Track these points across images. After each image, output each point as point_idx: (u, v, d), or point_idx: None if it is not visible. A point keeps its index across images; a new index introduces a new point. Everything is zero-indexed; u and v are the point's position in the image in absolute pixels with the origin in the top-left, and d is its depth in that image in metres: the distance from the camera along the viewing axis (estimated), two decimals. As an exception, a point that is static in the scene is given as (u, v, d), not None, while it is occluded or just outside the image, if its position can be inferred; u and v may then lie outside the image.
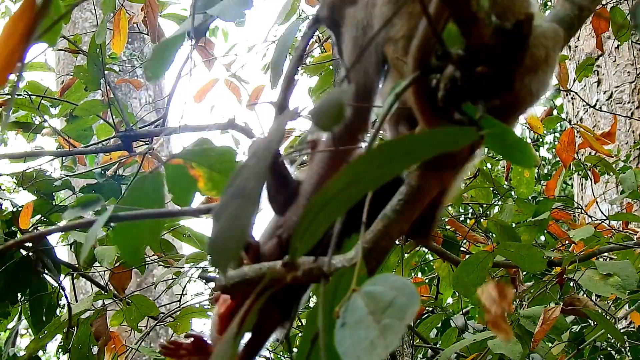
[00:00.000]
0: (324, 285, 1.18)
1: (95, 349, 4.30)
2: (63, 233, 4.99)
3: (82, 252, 2.30)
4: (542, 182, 9.61)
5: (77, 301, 4.94)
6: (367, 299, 1.05)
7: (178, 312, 4.65)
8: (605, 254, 4.37)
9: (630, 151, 7.41)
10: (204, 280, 1.98)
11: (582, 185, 7.97)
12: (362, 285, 1.09)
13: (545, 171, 10.21)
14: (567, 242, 4.57)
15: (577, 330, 4.57)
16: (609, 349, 4.82)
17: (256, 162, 1.24)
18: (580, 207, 6.09)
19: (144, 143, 4.88)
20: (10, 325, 5.50)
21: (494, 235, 4.25)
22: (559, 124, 9.64)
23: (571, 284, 4.00)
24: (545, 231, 5.13)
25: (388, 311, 1.01)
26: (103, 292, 4.56)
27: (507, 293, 2.53)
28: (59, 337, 4.77)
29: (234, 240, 1.16)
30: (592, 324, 4.38)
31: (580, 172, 6.38)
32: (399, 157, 1.08)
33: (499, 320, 2.38)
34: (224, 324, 2.03)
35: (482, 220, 4.80)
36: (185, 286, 5.14)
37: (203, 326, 6.88)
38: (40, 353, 5.17)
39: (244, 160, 1.30)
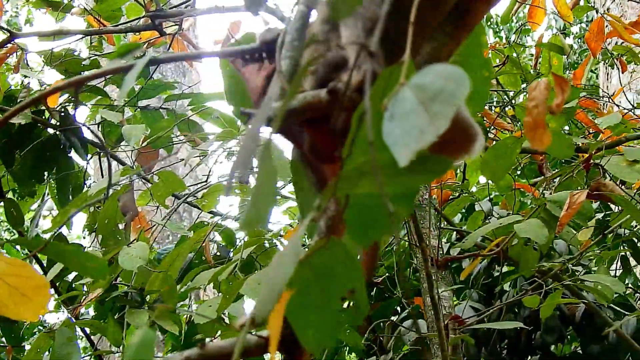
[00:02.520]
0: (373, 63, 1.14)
1: (121, 226, 4.34)
2: (90, 112, 5.00)
3: (122, 92, 2.24)
4: (569, 71, 9.57)
5: (104, 181, 4.98)
6: (415, 89, 1.01)
7: (205, 190, 4.66)
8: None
9: (658, 41, 7.35)
10: (244, 116, 1.83)
11: (608, 74, 7.94)
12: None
13: (572, 60, 10.14)
14: (594, 130, 4.56)
15: (602, 217, 4.59)
16: (633, 238, 4.85)
17: None
18: (607, 95, 6.06)
19: (173, 23, 4.85)
20: (33, 207, 5.56)
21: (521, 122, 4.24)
22: (585, 15, 9.56)
23: (599, 169, 3.99)
24: (572, 121, 5.12)
25: (437, 98, 0.97)
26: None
27: (565, 87, 2.49)
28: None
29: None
30: (618, 211, 4.39)
31: (606, 61, 6.33)
32: None
33: (538, 124, 2.34)
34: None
35: (509, 107, 4.79)
36: (211, 169, 5.16)
37: (229, 207, 6.93)
38: (65, 233, 5.25)
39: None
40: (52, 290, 4.53)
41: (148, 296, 4.11)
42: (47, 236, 8.34)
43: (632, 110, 4.96)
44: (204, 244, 4.44)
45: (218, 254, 4.82)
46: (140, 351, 1.19)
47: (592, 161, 3.83)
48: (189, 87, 5.87)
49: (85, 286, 4.18)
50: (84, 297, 4.28)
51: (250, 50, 1.87)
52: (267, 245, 4.24)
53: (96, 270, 2.00)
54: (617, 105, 5.36)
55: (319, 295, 1.19)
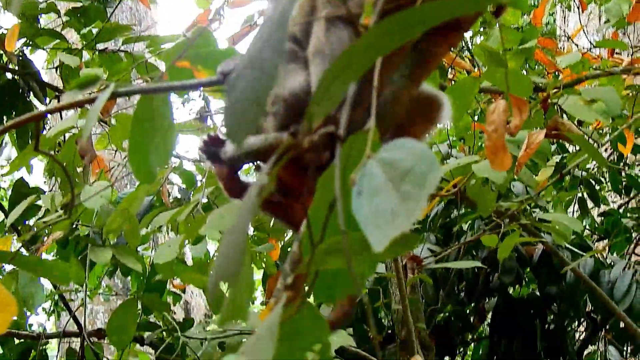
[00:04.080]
0: (340, 148, 1.12)
1: (79, 169, 4.31)
2: (48, 56, 4.96)
3: (83, 134, 2.28)
4: (525, 15, 9.57)
5: (62, 124, 4.94)
6: (384, 165, 1.00)
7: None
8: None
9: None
10: (208, 157, 1.89)
11: (564, 18, 7.95)
12: (376, 151, 1.04)
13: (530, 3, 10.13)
14: (553, 70, 4.56)
15: (559, 159, 4.62)
16: (590, 180, 4.89)
17: (270, 30, 1.13)
18: (566, 34, 6.07)
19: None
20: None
21: (480, 63, 4.24)
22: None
23: (556, 109, 4.00)
24: (529, 66, 5.12)
25: (407, 178, 0.96)
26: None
27: (523, 108, 2.53)
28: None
29: (251, 110, 1.09)
30: (574, 152, 4.42)
31: (563, 4, 6.33)
32: (415, 22, 1.01)
33: (498, 148, 2.39)
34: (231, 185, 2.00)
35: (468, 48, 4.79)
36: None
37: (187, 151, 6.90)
38: (27, 178, 5.21)
39: (257, 30, 1.20)
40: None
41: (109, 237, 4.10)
42: (5, 179, 8.26)
43: (591, 49, 4.97)
44: (161, 187, 4.42)
45: (179, 196, 4.81)
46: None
47: (550, 101, 3.83)
48: (144, 31, 5.83)
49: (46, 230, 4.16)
50: (44, 238, 4.27)
51: (210, 82, 1.93)
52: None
53: (62, 277, 2.06)
54: (576, 45, 5.36)
55: (285, 353, 1.19)
